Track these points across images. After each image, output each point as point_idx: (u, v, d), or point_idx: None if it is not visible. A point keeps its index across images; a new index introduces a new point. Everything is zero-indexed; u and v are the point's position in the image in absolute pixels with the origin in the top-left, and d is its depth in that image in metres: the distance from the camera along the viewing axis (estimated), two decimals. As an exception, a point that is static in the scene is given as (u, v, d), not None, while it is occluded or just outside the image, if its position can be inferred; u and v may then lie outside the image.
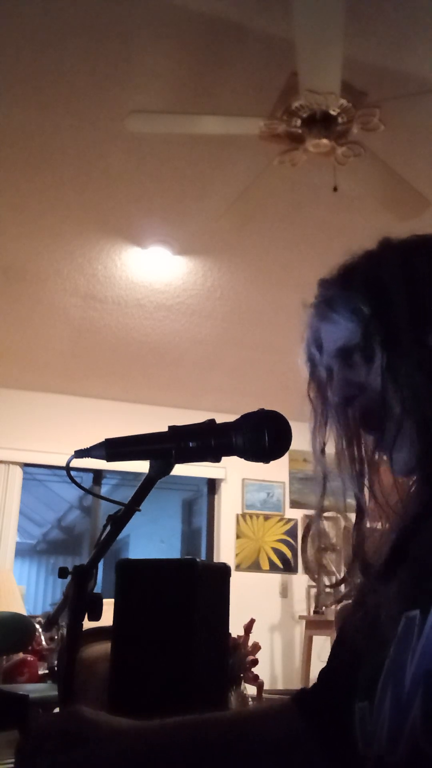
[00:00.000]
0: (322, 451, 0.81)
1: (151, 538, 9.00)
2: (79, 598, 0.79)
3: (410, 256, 0.78)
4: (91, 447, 0.83)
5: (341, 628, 0.83)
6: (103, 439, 0.83)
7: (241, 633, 2.29)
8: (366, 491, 0.77)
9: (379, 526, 0.77)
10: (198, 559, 1.54)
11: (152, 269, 4.11)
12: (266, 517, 6.26)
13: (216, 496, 6.30)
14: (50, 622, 2.99)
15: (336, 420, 0.79)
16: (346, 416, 0.78)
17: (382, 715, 0.63)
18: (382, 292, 0.75)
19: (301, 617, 5.76)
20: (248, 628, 2.36)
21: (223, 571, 1.59)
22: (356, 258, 0.82)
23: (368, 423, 0.77)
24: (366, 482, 0.77)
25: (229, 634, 1.62)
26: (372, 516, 0.77)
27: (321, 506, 0.80)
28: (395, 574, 0.70)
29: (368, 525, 0.77)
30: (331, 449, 0.81)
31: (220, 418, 0.84)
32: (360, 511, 0.77)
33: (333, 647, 0.85)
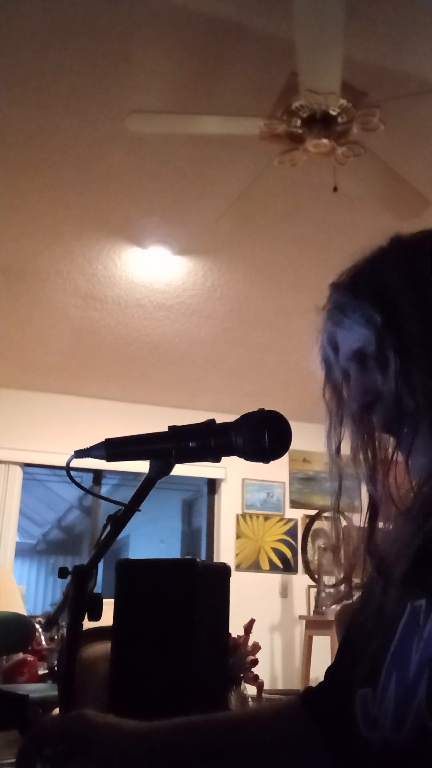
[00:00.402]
0: (338, 451, 0.82)
1: (151, 538, 9.00)
2: (79, 598, 0.79)
3: (418, 257, 0.79)
4: (91, 447, 0.83)
5: (348, 627, 0.84)
6: (103, 439, 0.83)
7: (241, 633, 2.29)
8: (380, 489, 0.78)
9: (388, 524, 0.77)
10: (198, 559, 1.54)
11: (152, 269, 4.11)
12: (266, 517, 6.26)
13: (216, 496, 6.30)
14: (50, 622, 2.99)
15: (352, 422, 0.80)
16: (362, 420, 0.79)
17: (386, 700, 0.66)
18: (392, 298, 0.76)
19: (301, 617, 5.76)
20: (248, 628, 2.36)
21: (223, 571, 1.59)
22: (365, 260, 0.82)
23: (386, 426, 0.78)
24: (380, 480, 0.78)
25: (229, 634, 1.62)
26: (385, 515, 0.77)
27: (338, 506, 0.81)
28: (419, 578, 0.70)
29: (381, 524, 0.78)
30: (345, 450, 0.81)
31: (220, 418, 0.84)
32: (374, 510, 0.78)
33: (340, 645, 0.85)
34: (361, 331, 0.77)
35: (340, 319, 0.80)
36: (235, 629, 1.79)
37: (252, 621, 2.44)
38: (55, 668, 2.85)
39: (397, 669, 0.65)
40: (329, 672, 0.85)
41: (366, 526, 0.79)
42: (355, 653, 0.76)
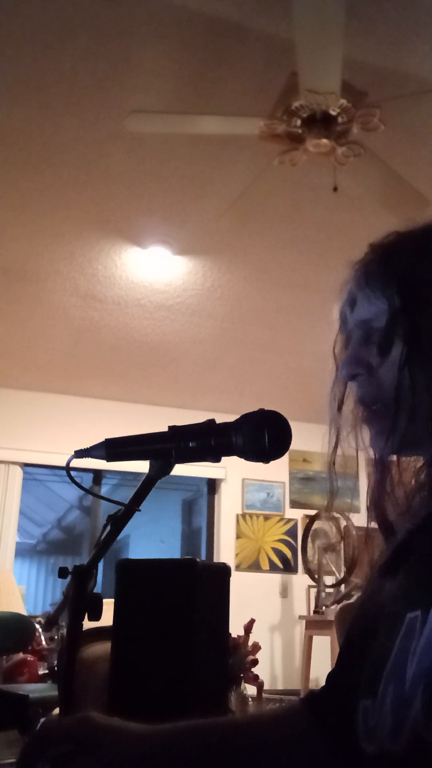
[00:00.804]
0: (339, 407, 0.82)
1: (151, 538, 9.01)
2: (79, 598, 0.79)
3: None
4: (91, 447, 0.83)
5: (349, 629, 0.84)
6: (103, 439, 0.83)
7: (241, 633, 2.29)
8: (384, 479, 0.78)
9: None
10: (198, 559, 1.54)
11: (152, 269, 4.11)
12: (266, 517, 6.26)
13: (216, 496, 6.30)
14: (50, 622, 2.99)
15: (336, 387, 0.81)
16: (343, 388, 0.80)
17: (384, 711, 0.66)
18: (418, 287, 0.75)
19: (301, 617, 5.75)
20: (248, 628, 2.36)
21: (223, 571, 1.59)
22: (410, 234, 0.80)
23: (363, 401, 0.79)
24: (380, 469, 0.79)
25: (229, 634, 1.62)
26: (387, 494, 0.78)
27: (333, 460, 0.81)
28: (397, 572, 0.71)
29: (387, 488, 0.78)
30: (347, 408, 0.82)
31: (220, 418, 0.84)
32: (381, 468, 0.79)
33: (341, 648, 0.85)
34: (376, 305, 0.77)
35: (362, 284, 0.79)
36: (235, 629, 1.79)
37: (252, 621, 2.44)
38: (55, 668, 2.84)
39: (394, 681, 0.65)
40: (331, 677, 0.85)
41: (372, 484, 0.79)
42: (356, 660, 0.76)
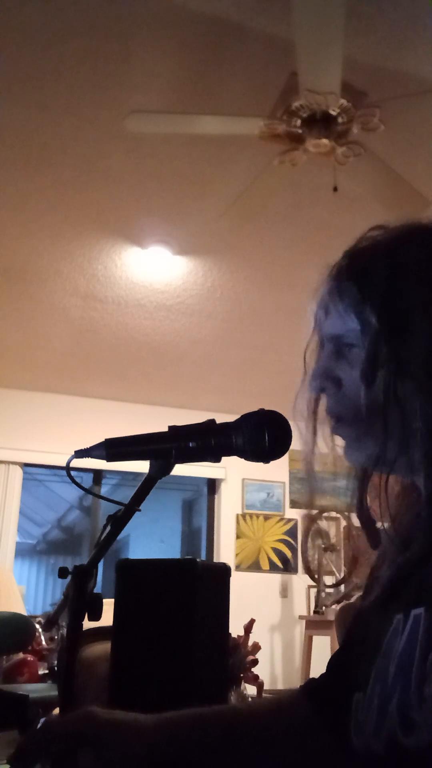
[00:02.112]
0: (314, 411, 0.81)
1: (151, 538, 9.00)
2: (79, 598, 0.79)
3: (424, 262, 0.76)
4: (91, 447, 0.83)
5: (353, 620, 0.84)
6: (103, 439, 0.83)
7: (241, 633, 2.29)
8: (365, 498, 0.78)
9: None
10: (198, 559, 1.55)
11: (152, 269, 4.11)
12: (266, 517, 6.26)
13: (216, 496, 6.30)
14: (50, 622, 2.99)
15: (307, 398, 0.80)
16: (314, 402, 0.80)
17: (371, 707, 0.67)
18: (395, 314, 0.73)
19: (301, 617, 5.75)
20: (248, 628, 2.36)
21: (223, 571, 1.59)
22: (382, 247, 0.79)
23: (334, 414, 0.78)
24: (366, 488, 0.79)
25: (229, 634, 1.62)
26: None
27: (312, 468, 0.81)
28: (393, 600, 0.71)
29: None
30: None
31: (220, 418, 0.84)
32: (363, 476, 0.79)
33: (343, 641, 0.86)
34: (348, 322, 0.76)
35: (336, 299, 0.78)
36: (235, 629, 1.79)
37: (252, 621, 2.44)
38: (55, 668, 2.84)
39: (380, 679, 0.67)
40: (331, 667, 0.85)
41: (357, 488, 0.79)
42: (354, 655, 0.77)
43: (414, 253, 0.76)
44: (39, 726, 0.76)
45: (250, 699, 2.33)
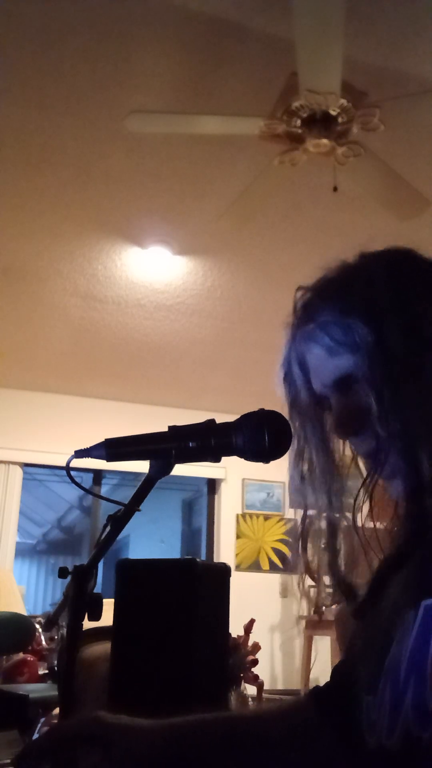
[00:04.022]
0: (303, 478, 0.81)
1: (151, 538, 9.00)
2: (79, 598, 0.79)
3: (402, 277, 0.77)
4: (91, 447, 0.83)
5: (355, 627, 0.84)
6: (103, 439, 0.83)
7: (241, 633, 2.29)
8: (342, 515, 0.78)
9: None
10: (198, 559, 1.54)
11: (152, 269, 4.11)
12: (266, 517, 6.26)
13: (216, 496, 6.30)
14: (50, 622, 2.99)
15: (324, 447, 0.79)
16: (332, 447, 0.79)
17: (383, 707, 0.67)
18: (384, 319, 0.73)
19: (301, 617, 5.75)
20: (248, 628, 2.36)
21: (223, 571, 1.59)
22: (348, 275, 0.80)
23: (370, 453, 0.77)
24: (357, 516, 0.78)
25: (229, 634, 1.62)
26: (348, 541, 0.78)
27: (305, 536, 0.83)
28: (378, 600, 0.71)
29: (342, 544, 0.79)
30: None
31: (220, 418, 0.84)
32: (333, 531, 0.80)
33: (348, 642, 0.86)
34: (349, 354, 0.75)
35: (321, 338, 0.77)
36: (235, 629, 1.79)
37: (252, 621, 2.44)
38: (55, 668, 2.84)
39: (391, 677, 0.67)
40: (337, 672, 0.85)
41: (328, 550, 0.79)
42: (361, 657, 0.77)
43: (380, 277, 0.77)
44: (44, 732, 0.76)
45: (250, 699, 2.33)
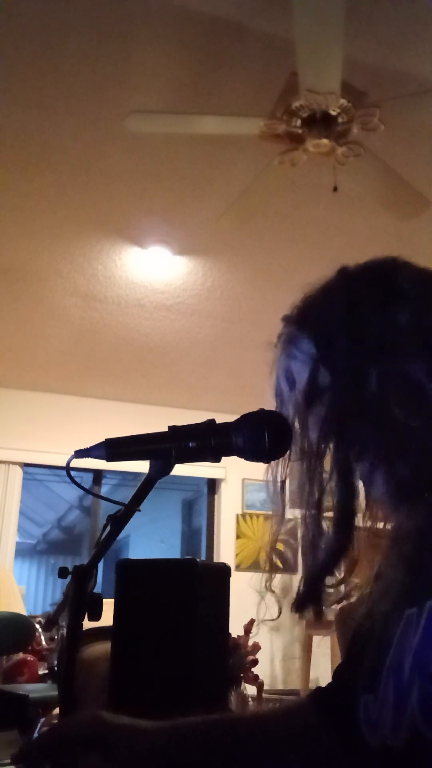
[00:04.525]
0: (282, 486, 0.83)
1: (151, 538, 9.01)
2: (79, 598, 0.79)
3: (359, 288, 0.80)
4: (91, 447, 0.83)
5: (355, 629, 0.85)
6: (103, 439, 0.83)
7: (241, 633, 2.29)
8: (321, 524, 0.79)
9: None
10: (198, 559, 1.55)
11: (152, 269, 4.11)
12: (266, 517, 6.25)
13: (216, 496, 6.30)
14: (50, 622, 2.99)
15: (304, 456, 0.80)
16: (317, 453, 0.79)
17: (385, 706, 0.67)
18: (328, 331, 0.78)
19: (301, 617, 5.75)
20: (248, 628, 2.36)
21: (223, 571, 1.60)
22: (314, 292, 0.84)
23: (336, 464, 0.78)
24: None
25: (229, 634, 1.62)
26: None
27: (275, 540, 0.85)
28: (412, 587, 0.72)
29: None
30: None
31: (220, 418, 0.84)
32: (314, 542, 0.80)
33: (348, 644, 0.86)
34: (304, 366, 0.80)
35: (291, 351, 0.83)
36: (235, 629, 1.79)
37: (252, 621, 2.44)
38: (55, 668, 2.84)
39: (393, 676, 0.67)
40: (337, 673, 0.85)
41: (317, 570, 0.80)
42: (360, 657, 0.77)
43: (337, 287, 0.82)
44: (44, 731, 0.76)
45: (250, 699, 2.33)
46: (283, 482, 0.83)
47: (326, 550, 0.75)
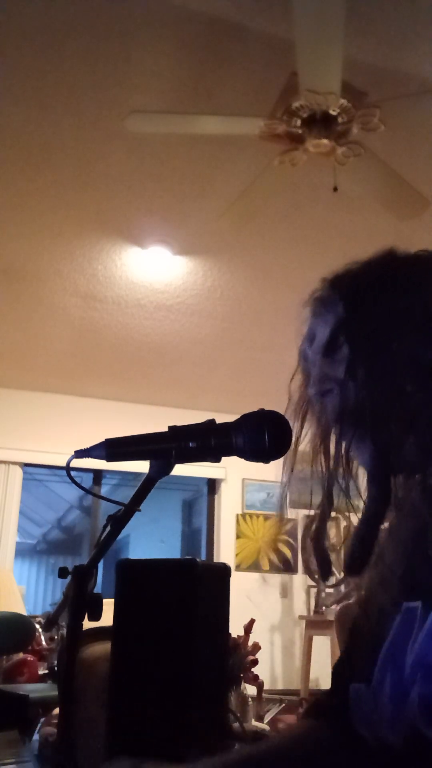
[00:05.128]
0: (296, 442, 0.83)
1: (151, 538, 9.01)
2: (79, 598, 0.79)
3: (401, 271, 0.81)
4: (91, 447, 0.83)
5: (351, 628, 0.84)
6: (103, 439, 0.83)
7: (241, 633, 2.29)
8: (337, 488, 0.80)
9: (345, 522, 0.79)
10: (198, 559, 1.54)
11: (152, 269, 4.11)
12: (266, 517, 6.26)
13: (216, 496, 6.30)
14: (50, 622, 2.99)
15: (313, 412, 0.82)
16: (320, 408, 0.82)
17: (382, 698, 0.66)
18: (358, 298, 0.79)
19: (301, 617, 5.75)
20: (248, 628, 2.36)
21: (223, 571, 1.59)
22: (357, 263, 0.85)
23: (338, 417, 0.80)
24: (337, 475, 0.79)
25: (229, 634, 1.62)
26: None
27: (285, 502, 0.83)
28: (363, 570, 0.72)
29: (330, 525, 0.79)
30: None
31: (220, 418, 0.84)
32: (323, 507, 0.81)
33: (346, 643, 0.86)
34: (329, 322, 0.81)
35: (317, 309, 0.84)
36: (235, 629, 1.79)
37: (252, 621, 2.44)
38: (55, 668, 2.84)
39: (391, 669, 0.66)
40: (332, 673, 0.85)
41: (316, 523, 0.80)
42: (353, 647, 0.77)
43: (382, 263, 0.83)
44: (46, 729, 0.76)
45: (250, 699, 2.33)
46: (296, 440, 0.84)
47: (368, 505, 0.76)
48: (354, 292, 0.81)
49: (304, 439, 0.83)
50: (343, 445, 0.78)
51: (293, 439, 0.82)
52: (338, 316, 0.80)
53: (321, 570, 0.79)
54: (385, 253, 0.85)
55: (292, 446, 0.83)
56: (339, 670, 0.84)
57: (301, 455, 0.83)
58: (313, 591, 5.69)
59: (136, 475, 5.79)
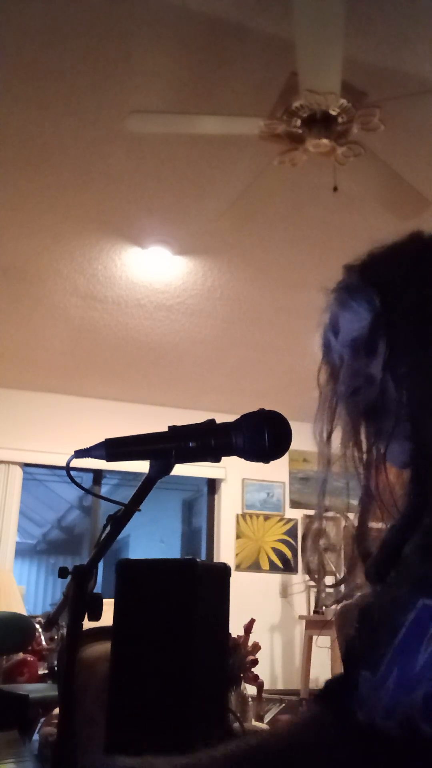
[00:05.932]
0: (328, 437, 0.82)
1: (151, 538, 9.01)
2: (79, 598, 0.79)
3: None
4: (91, 447, 0.83)
5: (363, 611, 0.84)
6: (103, 439, 0.83)
7: (241, 633, 2.29)
8: (370, 484, 0.78)
9: (379, 523, 0.77)
10: (198, 559, 1.55)
11: (152, 269, 4.11)
12: (266, 517, 6.26)
13: (216, 496, 6.30)
14: (50, 622, 2.99)
15: (343, 408, 0.80)
16: (351, 406, 0.80)
17: (385, 687, 0.66)
18: (396, 288, 0.77)
19: (301, 617, 5.75)
20: (248, 628, 2.36)
21: (223, 571, 1.60)
22: (383, 248, 0.83)
23: (369, 414, 0.78)
24: (371, 475, 0.78)
25: (229, 634, 1.62)
26: (374, 511, 0.78)
27: (323, 495, 0.81)
28: (388, 573, 0.71)
29: (371, 521, 0.78)
30: (336, 438, 0.81)
31: (220, 418, 0.84)
32: (365, 505, 0.78)
33: (355, 628, 0.85)
34: (361, 316, 0.78)
35: (345, 300, 0.81)
36: (235, 629, 1.79)
37: (252, 621, 2.44)
38: (55, 668, 2.85)
39: (400, 661, 0.65)
40: (343, 660, 0.85)
41: (357, 523, 0.78)
42: (361, 635, 0.76)
43: (412, 249, 0.80)
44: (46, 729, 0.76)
45: (249, 699, 2.33)
46: (329, 435, 0.82)
47: (406, 506, 0.74)
48: (389, 282, 0.78)
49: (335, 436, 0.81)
50: (380, 444, 0.76)
51: (325, 435, 0.81)
52: (373, 309, 0.77)
53: (376, 573, 0.77)
54: (413, 237, 0.82)
55: (324, 442, 0.81)
56: (349, 656, 0.83)
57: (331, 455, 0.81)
58: (313, 591, 5.69)
59: (136, 475, 5.79)
